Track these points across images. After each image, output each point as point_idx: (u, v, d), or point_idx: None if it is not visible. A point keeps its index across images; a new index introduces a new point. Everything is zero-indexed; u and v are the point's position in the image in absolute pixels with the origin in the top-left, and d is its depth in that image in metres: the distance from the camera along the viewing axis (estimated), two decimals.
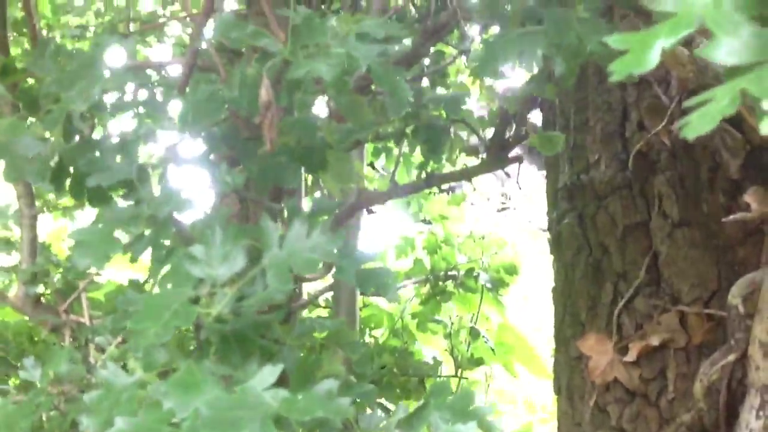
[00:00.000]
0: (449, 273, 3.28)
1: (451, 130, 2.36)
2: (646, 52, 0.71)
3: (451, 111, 1.67)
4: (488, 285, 3.27)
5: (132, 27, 3.10)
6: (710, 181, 2.14)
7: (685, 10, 0.70)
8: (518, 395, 4.60)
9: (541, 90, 1.79)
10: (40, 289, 2.05)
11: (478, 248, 3.46)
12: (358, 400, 1.18)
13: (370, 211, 2.80)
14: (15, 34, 2.85)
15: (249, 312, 1.16)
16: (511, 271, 3.30)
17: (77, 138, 1.32)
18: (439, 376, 3.19)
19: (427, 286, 3.33)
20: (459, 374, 3.37)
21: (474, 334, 3.23)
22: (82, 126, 1.38)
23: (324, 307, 3.17)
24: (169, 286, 1.14)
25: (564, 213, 2.53)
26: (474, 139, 2.37)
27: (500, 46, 1.39)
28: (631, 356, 2.10)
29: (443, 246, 3.45)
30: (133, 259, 1.19)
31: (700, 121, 0.63)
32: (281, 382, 1.09)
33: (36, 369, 1.66)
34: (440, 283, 3.26)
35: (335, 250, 1.13)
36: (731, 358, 1.77)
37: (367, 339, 3.33)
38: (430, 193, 3.44)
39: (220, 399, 0.96)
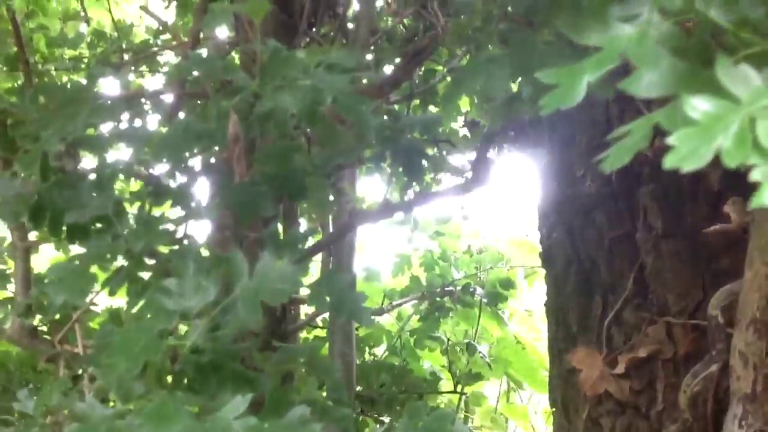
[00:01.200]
0: (446, 289, 3.30)
1: (434, 150, 2.40)
2: (574, 87, 0.74)
3: (427, 133, 1.70)
4: (485, 300, 3.29)
5: (125, 57, 3.14)
6: (692, 193, 2.15)
7: (609, 45, 0.73)
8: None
9: (516, 109, 1.82)
10: (36, 320, 2.09)
11: (474, 264, 3.49)
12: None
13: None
14: (8, 68, 2.90)
15: (224, 341, 1.18)
16: (507, 285, 3.32)
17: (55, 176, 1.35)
18: (439, 392, 3.22)
19: (425, 302, 3.35)
20: (460, 390, 3.39)
21: (470, 349, 3.24)
22: (60, 164, 1.42)
23: (321, 328, 3.19)
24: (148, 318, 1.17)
25: (553, 227, 2.56)
26: (458, 158, 2.40)
27: (467, 73, 1.42)
28: (620, 368, 2.12)
29: (440, 262, 3.47)
30: (111, 293, 1.23)
31: (617, 155, 0.66)
32: (260, 409, 1.12)
33: (30, 400, 1.69)
34: (437, 299, 3.28)
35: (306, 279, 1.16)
36: (713, 368, 1.78)
37: (367, 357, 3.35)
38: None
39: (192, 429, 0.98)
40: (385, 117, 1.83)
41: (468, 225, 3.86)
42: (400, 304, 3.30)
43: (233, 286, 1.14)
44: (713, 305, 1.79)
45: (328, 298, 1.33)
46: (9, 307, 2.18)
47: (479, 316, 3.52)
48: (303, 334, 3.14)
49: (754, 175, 0.56)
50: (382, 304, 3.29)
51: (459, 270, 3.52)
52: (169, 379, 1.17)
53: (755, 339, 1.67)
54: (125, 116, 1.97)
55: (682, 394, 1.84)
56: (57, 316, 2.07)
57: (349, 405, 1.32)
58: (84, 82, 2.52)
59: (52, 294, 1.13)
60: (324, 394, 1.42)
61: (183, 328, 1.22)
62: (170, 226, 1.30)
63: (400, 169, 1.79)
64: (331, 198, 2.94)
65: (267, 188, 1.43)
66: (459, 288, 3.30)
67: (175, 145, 1.39)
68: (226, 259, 1.17)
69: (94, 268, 1.22)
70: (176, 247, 1.27)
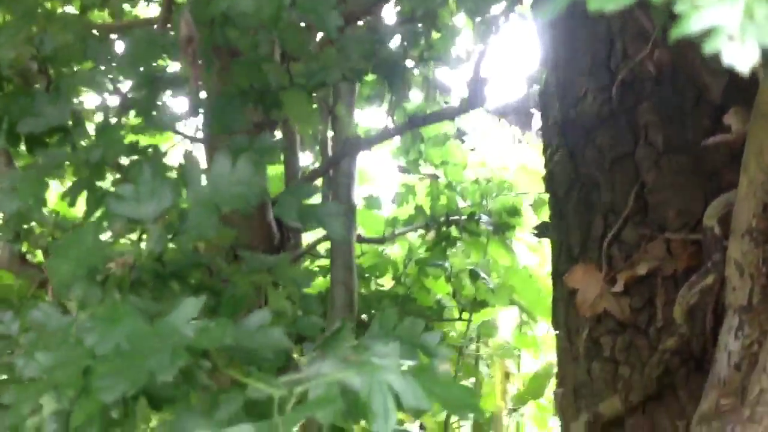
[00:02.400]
0: (451, 218, 3.25)
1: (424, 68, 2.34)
2: None
3: (411, 45, 1.64)
4: (491, 228, 3.24)
5: None
6: (694, 107, 2.08)
7: None
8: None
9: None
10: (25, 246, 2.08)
11: (480, 192, 3.43)
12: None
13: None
14: None
15: (185, 249, 1.15)
16: (513, 213, 3.27)
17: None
18: (444, 320, 3.20)
19: (431, 232, 3.31)
20: (467, 317, 3.37)
21: (473, 276, 3.21)
22: (10, 73, 1.38)
23: (324, 257, 3.17)
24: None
25: (555, 149, 2.50)
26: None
27: None
28: (618, 286, 2.07)
29: (445, 191, 3.42)
30: (71, 203, 1.19)
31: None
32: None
33: (14, 323, 1.68)
34: (443, 228, 3.24)
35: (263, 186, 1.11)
36: (709, 280, 1.73)
37: (373, 288, 3.33)
38: (428, 138, 3.39)
39: (139, 331, 0.96)
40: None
41: (475, 154, 3.80)
42: (403, 233, 3.26)
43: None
44: (709, 216, 1.74)
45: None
46: None
47: (486, 246, 3.47)
48: (305, 264, 3.12)
49: (680, 6, 0.50)
50: (384, 233, 3.25)
51: (465, 199, 3.47)
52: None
53: (751, 248, 1.62)
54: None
55: (677, 307, 1.80)
56: (49, 239, 2.06)
57: (318, 314, 1.29)
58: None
59: (4, 202, 1.10)
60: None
61: None
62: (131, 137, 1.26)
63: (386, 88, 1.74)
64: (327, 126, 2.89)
65: (234, 99, 1.39)
66: (464, 217, 3.25)
67: (138, 54, 1.34)
68: (180, 166, 1.13)
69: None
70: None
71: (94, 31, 2.08)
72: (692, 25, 0.49)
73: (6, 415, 0.91)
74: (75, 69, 1.46)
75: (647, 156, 2.17)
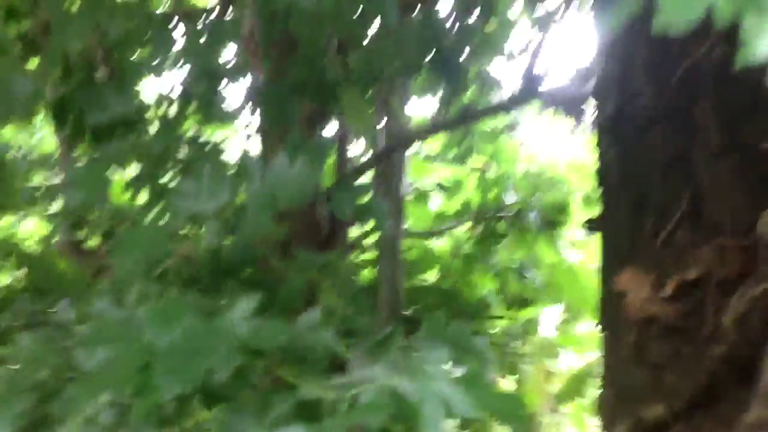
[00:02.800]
0: (499, 214, 3.23)
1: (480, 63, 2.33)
2: None
3: (464, 38, 1.63)
4: (538, 224, 3.21)
5: None
6: (751, 107, 2.04)
7: None
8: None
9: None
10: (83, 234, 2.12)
11: (530, 188, 3.40)
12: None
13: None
14: None
15: (240, 245, 1.17)
16: (562, 210, 3.24)
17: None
18: (487, 317, 3.19)
19: (479, 227, 3.30)
20: (512, 315, 3.36)
21: (520, 274, 3.19)
22: (92, 70, 1.41)
23: (372, 250, 3.18)
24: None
25: (609, 145, 2.46)
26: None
27: None
28: (667, 291, 2.04)
29: (495, 186, 3.40)
30: (133, 196, 1.22)
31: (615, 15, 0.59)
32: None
33: (71, 311, 1.72)
34: (491, 223, 3.22)
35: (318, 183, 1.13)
36: (761, 289, 1.70)
37: (418, 282, 3.33)
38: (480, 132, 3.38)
39: (196, 329, 0.98)
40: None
41: (526, 149, 3.77)
42: (451, 228, 3.26)
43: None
44: (764, 223, 1.70)
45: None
46: (58, 222, 2.22)
47: (534, 242, 3.45)
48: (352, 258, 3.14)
49: (745, 33, 0.50)
50: (432, 227, 3.25)
51: (515, 194, 3.44)
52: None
53: None
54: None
55: (727, 315, 1.77)
56: (107, 228, 2.10)
57: (369, 314, 1.30)
58: None
59: (68, 196, 1.13)
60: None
61: None
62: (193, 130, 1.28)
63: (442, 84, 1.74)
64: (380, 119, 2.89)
65: (293, 92, 1.40)
66: (513, 213, 3.24)
67: (200, 47, 1.36)
68: (240, 163, 1.14)
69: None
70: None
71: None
72: (758, 52, 0.49)
73: (67, 408, 0.93)
74: (138, 58, 1.48)
75: (702, 157, 2.12)
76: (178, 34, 1.58)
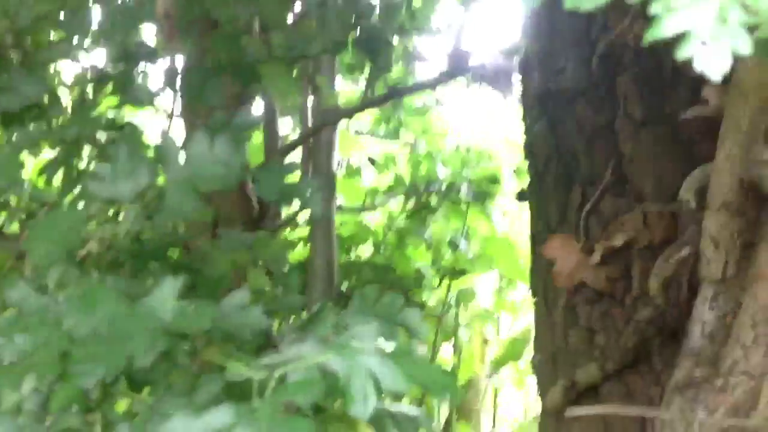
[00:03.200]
0: (431, 188, 3.25)
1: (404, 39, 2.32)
2: None
3: (388, 18, 1.62)
4: (469, 197, 3.24)
5: None
6: (673, 79, 2.08)
7: None
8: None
9: None
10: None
11: (460, 161, 3.43)
12: None
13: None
14: None
15: (163, 228, 1.15)
16: (493, 181, 3.27)
17: None
18: (423, 288, 3.21)
19: (411, 201, 3.31)
20: (446, 285, 3.38)
21: (452, 245, 3.22)
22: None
23: (305, 227, 3.16)
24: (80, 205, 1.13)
25: (536, 119, 2.49)
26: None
27: None
28: (595, 258, 2.08)
29: (426, 160, 3.41)
30: (48, 181, 1.18)
31: None
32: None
33: None
34: (423, 197, 3.24)
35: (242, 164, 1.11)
36: (684, 252, 1.75)
37: (353, 257, 3.33)
38: (408, 108, 3.39)
39: (117, 314, 0.96)
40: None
41: (455, 123, 3.79)
42: (383, 203, 3.26)
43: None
44: (685, 189, 1.75)
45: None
46: None
47: (466, 214, 3.48)
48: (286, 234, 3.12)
49: (654, 8, 0.50)
50: (364, 202, 3.25)
51: (445, 168, 3.46)
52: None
53: (726, 221, 1.63)
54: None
55: (652, 279, 1.81)
56: (24, 216, 2.03)
57: (297, 292, 1.29)
58: None
59: None
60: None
61: None
62: (109, 114, 1.24)
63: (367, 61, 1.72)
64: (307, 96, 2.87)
65: (212, 73, 1.37)
66: (445, 186, 3.25)
67: (114, 27, 1.32)
68: (158, 145, 1.12)
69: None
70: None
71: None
72: (666, 28, 0.49)
73: None
74: (51, 41, 1.44)
75: (626, 127, 2.17)
76: (94, 15, 1.53)
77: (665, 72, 2.11)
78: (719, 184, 1.64)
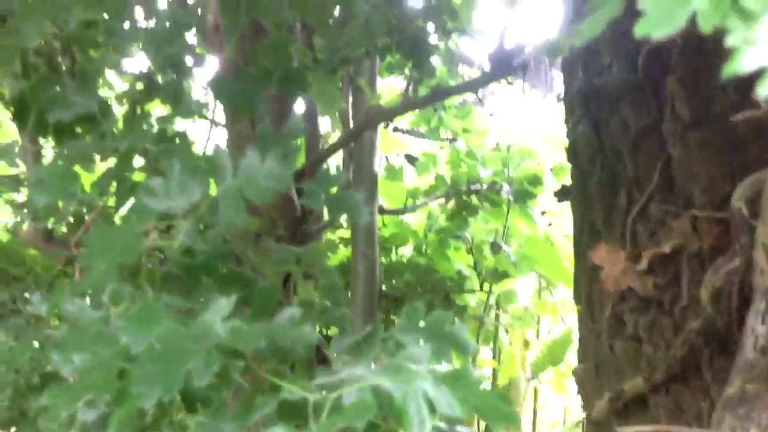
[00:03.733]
0: (472, 187, 3.23)
1: (447, 41, 2.30)
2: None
3: (431, 21, 1.61)
4: (511, 197, 3.22)
5: None
6: (722, 79, 2.04)
7: None
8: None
9: None
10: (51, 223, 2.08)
11: (502, 161, 3.40)
12: None
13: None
14: None
15: (215, 242, 1.15)
16: (535, 182, 3.24)
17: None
18: (465, 291, 3.20)
19: (452, 201, 3.30)
20: (487, 288, 3.36)
21: (495, 248, 3.20)
22: (53, 62, 1.37)
23: (346, 228, 3.16)
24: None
25: (579, 119, 2.46)
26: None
27: None
28: (643, 264, 2.05)
29: (466, 160, 3.39)
30: (101, 193, 1.19)
31: (592, 24, 0.58)
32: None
33: (43, 303, 1.69)
34: (464, 197, 3.22)
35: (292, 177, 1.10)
36: (736, 262, 1.71)
37: (394, 258, 3.33)
38: (449, 107, 3.37)
39: (173, 332, 0.96)
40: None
41: (496, 121, 3.76)
42: (424, 203, 3.25)
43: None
44: (737, 197, 1.71)
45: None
46: (25, 211, 2.17)
47: (507, 214, 3.46)
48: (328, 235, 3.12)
49: (731, 40, 0.49)
50: (405, 203, 3.24)
51: (486, 167, 3.44)
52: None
53: None
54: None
55: (703, 290, 1.78)
56: (72, 220, 2.06)
57: (346, 305, 1.29)
58: None
59: (32, 197, 1.10)
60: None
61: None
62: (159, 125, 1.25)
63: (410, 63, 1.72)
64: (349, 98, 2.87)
65: (257, 81, 1.37)
66: (485, 186, 3.23)
67: (163, 39, 1.32)
68: (210, 158, 1.12)
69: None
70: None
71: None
72: (745, 63, 0.47)
73: (45, 416, 0.92)
74: (100, 51, 1.44)
75: (673, 129, 2.12)
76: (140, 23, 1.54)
77: (714, 73, 2.06)
78: None
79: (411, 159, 3.76)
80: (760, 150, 1.92)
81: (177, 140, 1.27)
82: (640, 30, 0.52)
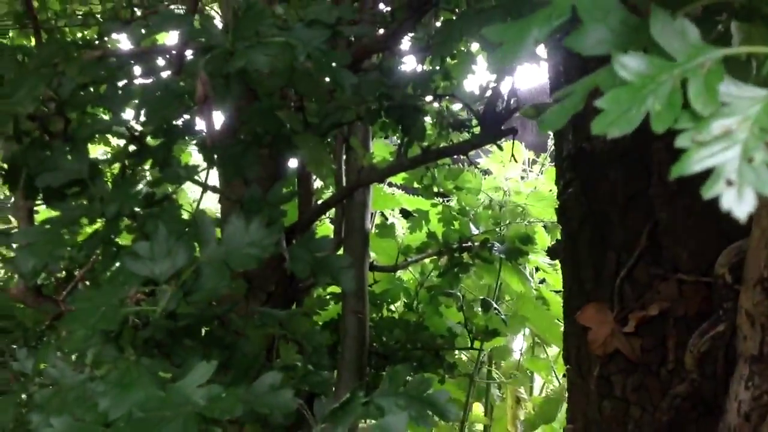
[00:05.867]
0: (464, 245, 3.25)
1: (437, 105, 2.34)
2: (521, 43, 0.68)
3: (420, 89, 1.65)
4: (502, 255, 3.23)
5: (136, 12, 3.10)
6: None
7: None
8: None
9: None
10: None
11: (493, 219, 3.43)
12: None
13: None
14: (18, 26, 2.88)
15: (199, 306, 1.16)
16: (526, 241, 3.26)
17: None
18: (455, 348, 3.19)
19: (444, 258, 3.31)
20: (478, 346, 3.36)
21: (485, 306, 3.20)
22: (44, 124, 1.39)
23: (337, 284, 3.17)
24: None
25: (569, 182, 2.50)
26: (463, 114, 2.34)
27: (458, 25, 1.37)
28: (630, 327, 2.06)
29: (459, 217, 3.41)
30: (86, 257, 1.21)
31: (555, 116, 0.61)
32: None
33: (29, 360, 1.70)
34: (455, 255, 3.24)
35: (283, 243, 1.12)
36: (720, 328, 1.72)
37: (386, 314, 3.33)
38: (441, 164, 3.41)
39: (152, 399, 0.97)
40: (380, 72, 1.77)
41: (489, 180, 3.80)
42: (416, 261, 3.27)
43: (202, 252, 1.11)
44: (721, 263, 1.73)
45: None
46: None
47: (499, 272, 3.47)
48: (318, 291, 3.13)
49: (680, 141, 0.51)
50: (397, 260, 3.25)
51: (478, 225, 3.47)
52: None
53: (762, 298, 1.61)
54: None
55: (688, 354, 1.79)
56: (63, 274, 2.07)
57: (329, 368, 1.29)
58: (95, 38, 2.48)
59: (20, 259, 1.11)
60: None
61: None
62: (147, 189, 1.27)
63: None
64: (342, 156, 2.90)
65: (249, 147, 1.40)
66: (477, 243, 3.25)
67: (154, 105, 1.36)
68: (195, 223, 1.14)
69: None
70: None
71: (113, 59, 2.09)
72: (693, 164, 0.50)
73: None
74: (92, 115, 1.47)
75: (661, 194, 2.15)
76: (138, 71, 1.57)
77: None
78: (755, 260, 1.62)
79: (407, 215, 3.78)
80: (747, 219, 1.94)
81: (164, 203, 1.29)
82: (596, 128, 0.55)
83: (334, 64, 1.22)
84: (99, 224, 1.23)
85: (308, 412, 1.18)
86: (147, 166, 1.39)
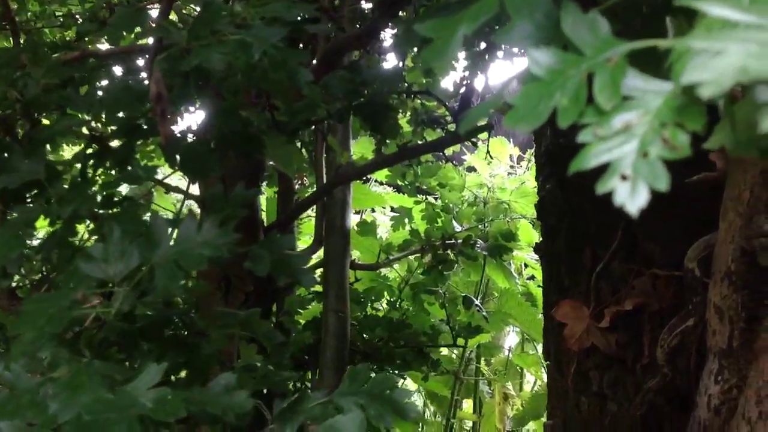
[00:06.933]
0: (447, 242, 3.24)
1: (413, 102, 2.34)
2: (449, 40, 0.68)
3: (388, 86, 1.64)
4: (485, 252, 3.23)
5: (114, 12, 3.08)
6: None
7: None
8: None
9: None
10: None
11: (476, 215, 3.42)
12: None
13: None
14: None
15: (154, 308, 1.16)
16: (508, 237, 3.26)
17: None
18: (439, 346, 3.19)
19: (428, 256, 3.30)
20: (462, 343, 3.36)
21: (467, 302, 3.20)
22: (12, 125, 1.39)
23: (319, 283, 3.16)
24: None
25: (547, 177, 2.50)
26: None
27: (421, 19, 1.36)
28: (605, 322, 2.06)
29: (442, 214, 3.41)
30: (44, 259, 1.20)
31: (473, 115, 0.60)
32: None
33: None
34: (439, 252, 3.23)
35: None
36: (690, 322, 1.72)
37: (369, 312, 3.32)
38: (424, 162, 3.40)
39: (100, 401, 0.96)
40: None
41: (473, 177, 3.79)
42: (398, 259, 3.26)
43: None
44: (690, 258, 1.72)
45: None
46: None
47: (483, 269, 3.47)
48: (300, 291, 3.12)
49: (583, 136, 0.51)
50: (378, 258, 3.25)
51: (461, 222, 3.46)
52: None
53: (730, 292, 1.61)
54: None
55: (659, 349, 1.79)
56: (38, 276, 2.06)
57: (290, 368, 1.29)
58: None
59: None
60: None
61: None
62: (105, 190, 1.26)
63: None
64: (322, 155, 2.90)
65: (211, 146, 1.39)
66: (460, 241, 3.25)
67: (114, 105, 1.35)
68: (149, 225, 1.13)
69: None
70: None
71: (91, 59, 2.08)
72: (590, 159, 0.49)
73: None
74: (70, 116, 1.47)
75: None
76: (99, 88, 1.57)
77: None
78: (722, 254, 1.62)
79: (395, 211, 3.78)
80: (716, 210, 1.94)
81: (124, 204, 1.28)
82: (507, 123, 0.54)
83: (294, 63, 1.21)
84: (59, 225, 1.22)
85: (267, 411, 1.18)
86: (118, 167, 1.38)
